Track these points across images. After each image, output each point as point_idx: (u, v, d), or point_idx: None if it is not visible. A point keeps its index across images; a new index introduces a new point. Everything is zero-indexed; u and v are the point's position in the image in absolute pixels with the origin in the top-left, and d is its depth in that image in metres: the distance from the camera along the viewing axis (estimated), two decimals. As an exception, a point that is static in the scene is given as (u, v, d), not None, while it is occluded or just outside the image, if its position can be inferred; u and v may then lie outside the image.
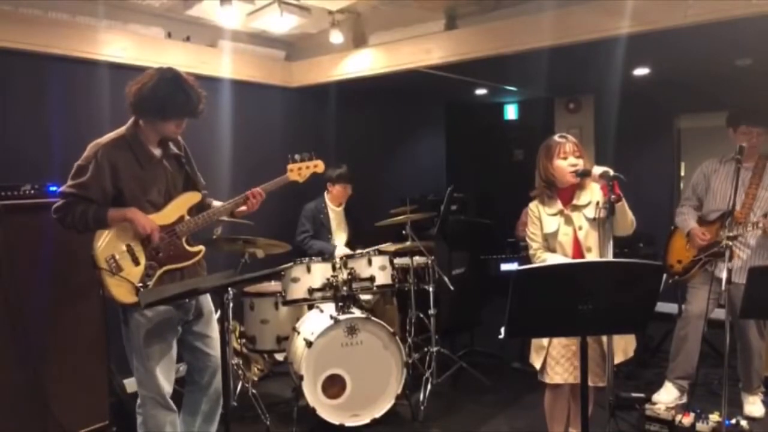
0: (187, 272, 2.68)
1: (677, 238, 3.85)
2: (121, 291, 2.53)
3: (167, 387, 2.66)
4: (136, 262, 2.58)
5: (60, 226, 2.57)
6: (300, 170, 2.95)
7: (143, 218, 2.54)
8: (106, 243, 2.54)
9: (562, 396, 2.87)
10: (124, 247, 2.56)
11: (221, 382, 2.74)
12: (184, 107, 2.54)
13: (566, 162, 2.73)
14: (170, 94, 2.50)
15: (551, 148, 2.77)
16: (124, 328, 2.65)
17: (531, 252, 2.87)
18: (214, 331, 2.82)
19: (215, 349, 2.79)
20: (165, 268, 2.62)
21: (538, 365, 2.79)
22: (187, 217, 2.69)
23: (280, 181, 2.91)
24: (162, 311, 2.59)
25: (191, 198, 2.74)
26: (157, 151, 2.67)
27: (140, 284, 2.55)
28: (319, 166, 2.99)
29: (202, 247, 2.73)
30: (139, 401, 2.70)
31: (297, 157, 2.95)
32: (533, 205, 2.87)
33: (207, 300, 2.81)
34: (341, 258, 3.90)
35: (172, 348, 2.69)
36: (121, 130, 2.63)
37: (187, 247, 2.69)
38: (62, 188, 2.58)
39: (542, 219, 2.81)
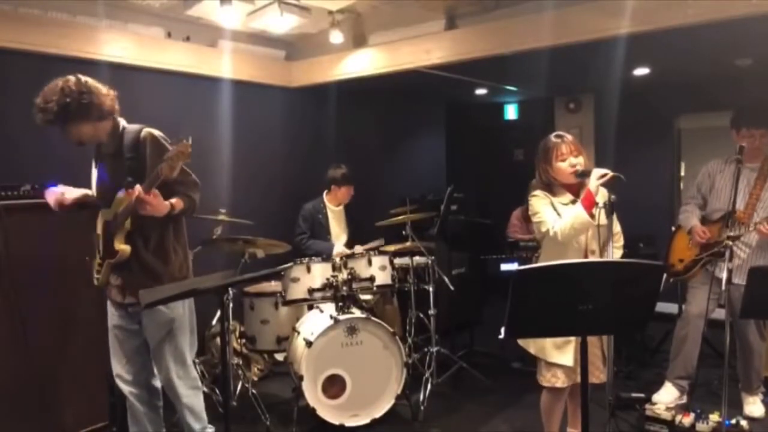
0: (118, 270, 2.69)
1: (680, 237, 3.85)
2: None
3: (118, 369, 2.79)
4: (99, 253, 2.76)
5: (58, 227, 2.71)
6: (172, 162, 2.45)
7: (54, 196, 2.76)
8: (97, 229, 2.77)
9: (563, 397, 2.88)
10: (98, 234, 2.77)
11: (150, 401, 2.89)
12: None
13: (566, 163, 2.69)
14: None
15: (549, 151, 2.72)
16: None
17: (548, 228, 2.63)
18: (151, 352, 2.80)
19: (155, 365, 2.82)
20: (106, 261, 2.70)
21: (570, 361, 2.67)
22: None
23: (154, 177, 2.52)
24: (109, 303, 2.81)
25: (125, 197, 2.63)
26: (107, 149, 2.72)
27: (96, 272, 2.75)
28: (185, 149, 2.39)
29: (125, 248, 2.63)
30: None
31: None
32: (539, 193, 2.74)
33: (149, 318, 2.72)
34: (341, 258, 3.90)
35: (115, 336, 2.79)
36: None
37: (115, 244, 2.65)
38: None
39: (556, 206, 2.69)
